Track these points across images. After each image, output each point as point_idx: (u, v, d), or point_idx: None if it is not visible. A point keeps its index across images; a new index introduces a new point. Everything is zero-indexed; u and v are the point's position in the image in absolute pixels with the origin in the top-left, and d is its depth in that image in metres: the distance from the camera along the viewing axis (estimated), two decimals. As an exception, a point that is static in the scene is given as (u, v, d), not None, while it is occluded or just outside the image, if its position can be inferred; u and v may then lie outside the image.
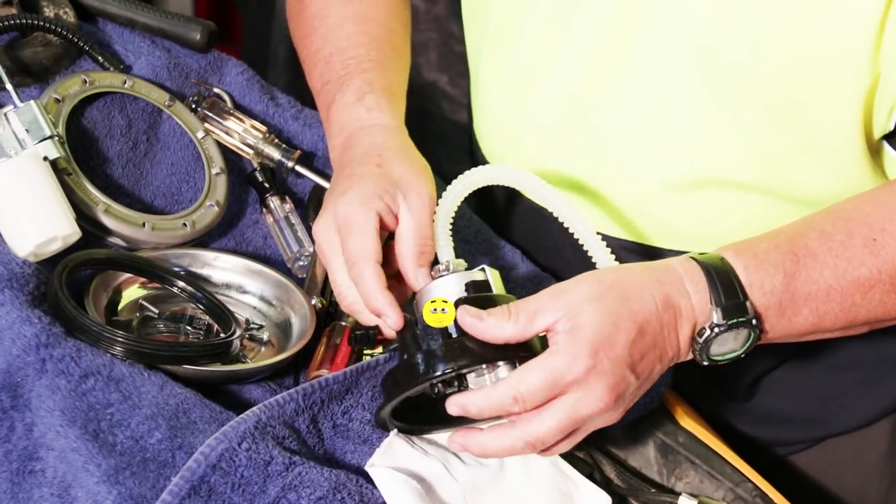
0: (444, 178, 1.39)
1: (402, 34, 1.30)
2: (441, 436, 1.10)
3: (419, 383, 1.01)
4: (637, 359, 1.00)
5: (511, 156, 1.33)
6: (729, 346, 1.05)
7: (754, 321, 1.03)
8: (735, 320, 1.02)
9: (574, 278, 1.02)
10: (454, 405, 1.01)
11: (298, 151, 1.32)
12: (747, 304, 1.02)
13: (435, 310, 1.03)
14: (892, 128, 1.11)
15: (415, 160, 1.14)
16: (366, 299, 1.06)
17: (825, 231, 1.06)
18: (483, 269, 1.06)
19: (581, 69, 1.21)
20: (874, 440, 1.39)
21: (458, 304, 1.02)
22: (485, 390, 1.00)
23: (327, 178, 1.33)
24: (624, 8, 1.16)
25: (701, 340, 1.03)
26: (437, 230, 1.09)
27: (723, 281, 1.02)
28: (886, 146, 1.15)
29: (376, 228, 1.07)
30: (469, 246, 1.31)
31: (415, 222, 1.08)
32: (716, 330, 1.02)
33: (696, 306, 1.02)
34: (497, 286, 1.05)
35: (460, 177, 1.09)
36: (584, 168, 1.25)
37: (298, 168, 1.31)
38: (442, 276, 1.06)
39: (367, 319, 1.09)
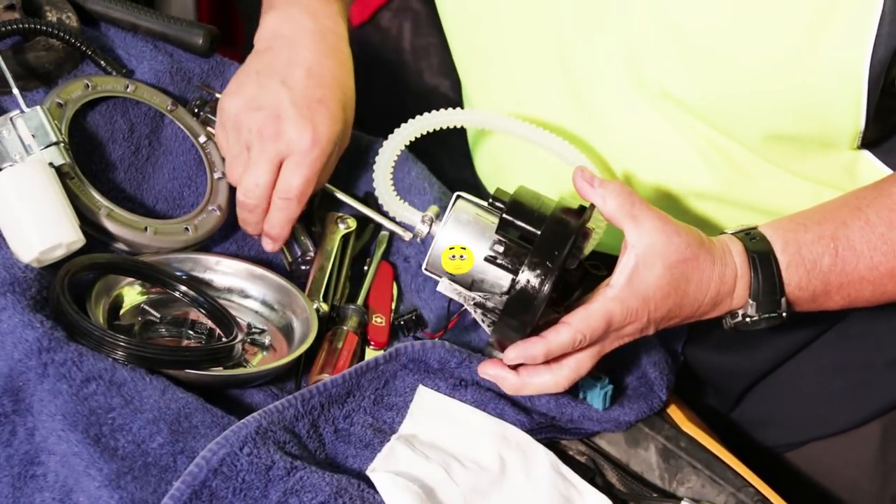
0: (448, 185, 1.39)
1: None
2: (442, 440, 1.10)
3: (542, 300, 1.02)
4: (666, 321, 1.09)
5: (494, 176, 1.38)
6: (755, 326, 1.11)
7: (784, 314, 1.09)
8: (767, 315, 1.09)
9: (666, 220, 1.06)
10: (518, 350, 1.06)
11: None
12: (782, 300, 1.09)
13: (454, 256, 1.04)
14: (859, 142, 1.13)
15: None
16: (274, 225, 1.19)
17: (869, 221, 1.10)
18: (460, 196, 1.07)
19: (555, 94, 1.24)
20: (865, 441, 1.40)
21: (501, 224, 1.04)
22: (553, 332, 1.05)
23: (330, 182, 1.33)
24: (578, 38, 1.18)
25: (732, 322, 1.10)
26: (381, 194, 1.13)
27: (766, 277, 1.08)
28: (867, 155, 1.18)
29: (318, 182, 1.21)
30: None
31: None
32: (747, 320, 1.10)
33: (736, 300, 1.09)
34: (480, 200, 1.08)
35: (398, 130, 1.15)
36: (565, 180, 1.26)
37: None
38: (431, 228, 1.07)
39: (250, 223, 1.21)
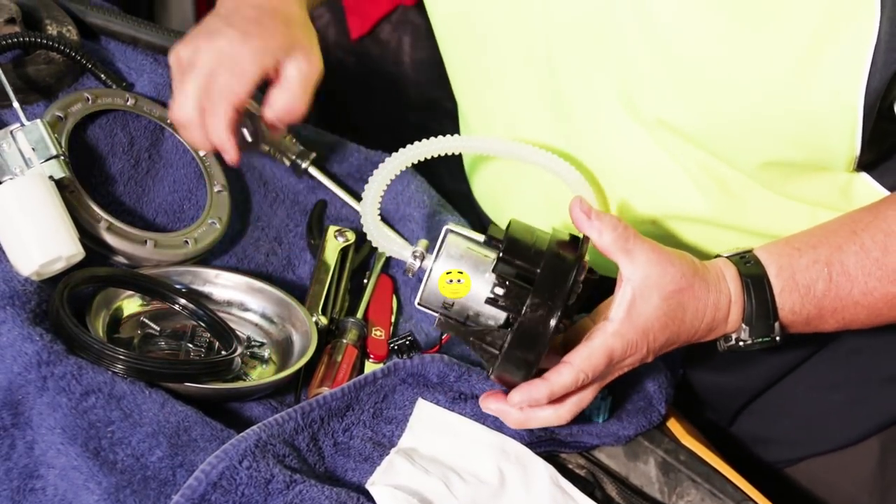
0: (448, 197, 1.39)
1: None
2: (441, 453, 1.10)
3: (548, 336, 1.02)
4: (665, 349, 1.09)
5: (491, 200, 1.39)
6: (748, 349, 1.12)
7: (778, 338, 1.10)
8: (760, 339, 1.10)
9: (660, 251, 1.07)
10: (522, 394, 1.06)
11: (314, 154, 1.32)
12: (776, 324, 1.09)
13: (451, 280, 1.04)
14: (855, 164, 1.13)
15: (313, 36, 1.22)
16: (211, 130, 1.16)
17: (864, 246, 1.10)
18: (450, 230, 1.07)
19: (544, 115, 1.24)
20: (863, 457, 1.41)
21: (498, 263, 1.04)
22: (556, 374, 1.05)
23: (340, 184, 1.34)
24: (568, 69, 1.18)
25: (726, 345, 1.12)
26: (369, 229, 1.10)
27: (759, 302, 1.09)
28: (863, 175, 1.18)
29: (254, 82, 1.16)
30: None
31: (289, 92, 1.18)
32: (741, 344, 1.11)
33: (730, 325, 1.10)
34: (470, 232, 1.07)
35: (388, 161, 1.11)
36: (553, 204, 1.26)
37: (312, 170, 1.32)
38: (423, 262, 1.06)
39: (196, 138, 1.17)
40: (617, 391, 1.20)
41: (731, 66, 1.08)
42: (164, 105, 1.30)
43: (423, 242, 1.08)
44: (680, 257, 1.07)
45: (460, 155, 1.50)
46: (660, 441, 1.20)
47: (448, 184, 1.43)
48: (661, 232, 1.24)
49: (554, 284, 1.02)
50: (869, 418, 1.40)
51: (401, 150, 1.10)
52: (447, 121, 1.37)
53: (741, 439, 1.43)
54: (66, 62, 1.26)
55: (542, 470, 1.11)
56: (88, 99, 1.23)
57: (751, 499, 1.16)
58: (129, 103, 1.26)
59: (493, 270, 1.04)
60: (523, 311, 1.02)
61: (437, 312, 1.07)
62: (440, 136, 1.11)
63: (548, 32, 1.17)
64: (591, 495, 1.12)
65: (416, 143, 1.10)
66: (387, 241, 1.10)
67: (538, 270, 1.03)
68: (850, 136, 1.08)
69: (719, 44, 1.08)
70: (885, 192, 1.18)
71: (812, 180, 1.18)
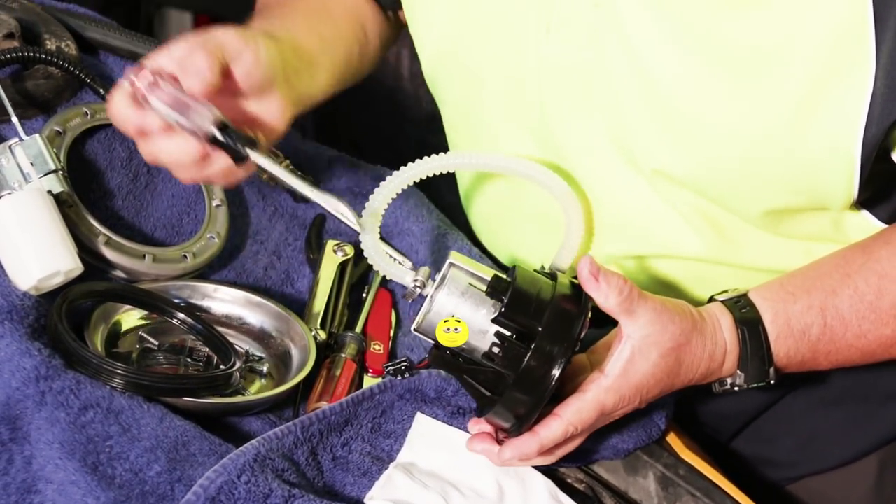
0: (446, 210, 1.39)
1: (342, 5, 1.31)
2: (440, 467, 1.10)
3: (548, 389, 1.03)
4: (657, 398, 1.11)
5: (486, 228, 1.39)
6: (743, 391, 1.13)
7: (773, 381, 1.11)
8: (755, 384, 1.11)
9: (662, 309, 1.06)
10: (512, 450, 1.07)
11: (311, 177, 1.32)
12: (770, 370, 1.11)
13: (448, 329, 1.04)
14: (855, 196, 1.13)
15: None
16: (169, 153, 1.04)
17: (858, 290, 1.12)
18: (452, 264, 1.06)
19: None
20: (862, 474, 1.41)
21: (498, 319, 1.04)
22: (545, 428, 1.06)
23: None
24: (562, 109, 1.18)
25: (720, 388, 1.12)
26: (371, 254, 1.08)
27: (754, 350, 1.10)
28: (864, 213, 1.19)
29: (215, 60, 1.04)
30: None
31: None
32: (735, 388, 1.12)
33: (725, 371, 1.11)
34: (473, 266, 1.07)
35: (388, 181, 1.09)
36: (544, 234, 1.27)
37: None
38: (423, 290, 1.06)
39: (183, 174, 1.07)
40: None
41: (727, 116, 1.08)
42: (163, 120, 1.30)
43: (424, 270, 1.07)
44: (680, 314, 1.08)
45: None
46: (659, 455, 1.19)
47: (447, 196, 1.43)
48: (652, 269, 1.25)
49: (557, 340, 1.03)
50: (868, 435, 1.40)
51: (402, 168, 1.09)
52: (444, 135, 1.37)
53: (740, 458, 1.43)
54: (64, 77, 1.26)
55: (541, 484, 1.11)
56: (87, 113, 1.23)
57: (750, 513, 1.16)
58: (127, 118, 1.26)
59: (494, 321, 1.04)
60: (523, 365, 1.02)
61: (432, 340, 1.07)
62: (437, 155, 1.10)
63: (539, 77, 1.17)
64: (590, 510, 1.12)
65: (415, 162, 1.09)
66: (388, 265, 1.09)
67: (540, 328, 1.03)
68: (847, 182, 1.09)
69: (714, 95, 1.08)
70: (879, 224, 1.18)
71: (808, 219, 1.19)
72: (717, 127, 1.09)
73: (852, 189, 1.10)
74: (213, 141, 1.03)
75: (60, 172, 1.15)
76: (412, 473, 1.08)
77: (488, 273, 1.07)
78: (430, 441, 1.12)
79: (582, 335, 1.04)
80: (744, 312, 1.11)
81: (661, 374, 1.07)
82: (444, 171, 1.11)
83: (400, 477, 1.07)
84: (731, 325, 1.11)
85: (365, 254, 1.08)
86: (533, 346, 1.02)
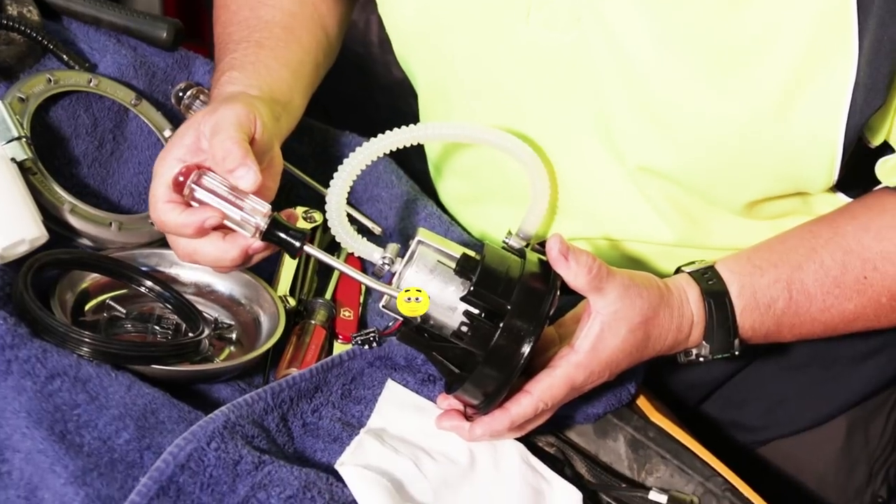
0: (416, 177, 1.38)
1: (302, 16, 1.30)
2: (411, 433, 1.10)
3: (518, 365, 1.03)
4: (625, 370, 1.11)
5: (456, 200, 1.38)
6: (708, 362, 1.14)
7: (737, 352, 1.12)
8: (720, 356, 1.12)
9: (629, 284, 1.06)
10: (483, 427, 1.08)
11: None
12: (735, 342, 1.12)
13: (409, 299, 1.04)
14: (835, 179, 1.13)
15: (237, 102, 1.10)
16: (226, 151, 1.02)
17: (824, 265, 1.13)
18: (420, 242, 1.06)
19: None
20: (831, 436, 1.43)
21: (467, 297, 1.03)
22: (516, 404, 1.07)
23: (307, 168, 1.32)
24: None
25: (685, 359, 1.13)
26: (337, 231, 1.07)
27: (720, 321, 1.11)
28: (839, 194, 1.20)
29: (249, 153, 1.04)
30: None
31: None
32: (700, 359, 1.13)
33: (691, 342, 1.12)
34: (441, 243, 1.06)
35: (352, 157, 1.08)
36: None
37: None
38: (392, 267, 1.06)
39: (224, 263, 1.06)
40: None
41: (710, 106, 1.08)
42: (128, 86, 1.28)
43: (393, 247, 1.07)
44: (648, 287, 1.08)
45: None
46: (629, 419, 1.20)
47: (417, 164, 1.43)
48: (621, 248, 1.25)
49: (526, 318, 1.03)
50: (836, 398, 1.41)
51: (370, 140, 1.08)
52: (416, 101, 1.36)
53: (710, 422, 1.44)
54: (27, 43, 1.24)
55: (512, 448, 1.12)
56: (50, 80, 1.22)
57: (719, 474, 1.16)
58: (91, 84, 1.25)
59: (463, 300, 1.04)
60: (492, 343, 1.02)
61: (401, 317, 1.06)
62: (401, 129, 1.09)
63: (517, 63, 1.16)
64: (561, 473, 1.12)
65: (382, 135, 1.08)
66: (355, 242, 1.08)
67: (509, 307, 1.02)
68: (829, 169, 1.10)
69: (697, 85, 1.08)
70: (844, 199, 1.19)
71: (782, 202, 1.19)
72: (701, 117, 1.09)
73: (833, 175, 1.11)
74: (266, 236, 1.04)
75: (24, 140, 1.13)
76: (383, 439, 1.08)
77: (457, 250, 1.06)
78: (401, 407, 1.12)
79: (551, 313, 1.04)
80: (710, 284, 1.12)
81: (630, 348, 1.08)
82: (411, 144, 1.10)
83: (371, 442, 1.07)
84: (697, 297, 1.11)
85: (332, 231, 1.08)
86: (502, 325, 1.02)
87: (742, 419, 1.44)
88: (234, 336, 1.17)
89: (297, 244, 1.04)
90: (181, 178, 1.03)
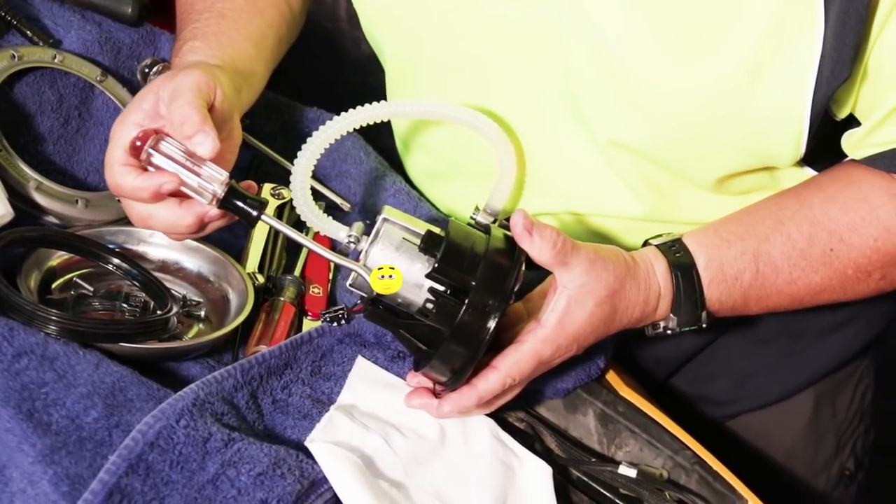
0: (385, 154, 1.38)
1: None
2: (381, 409, 1.10)
3: (485, 339, 1.03)
4: (592, 343, 1.11)
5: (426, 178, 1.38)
6: (675, 335, 1.15)
7: (704, 325, 1.12)
8: (687, 328, 1.12)
9: (595, 258, 1.06)
10: (451, 404, 1.08)
11: (247, 120, 1.29)
12: (702, 314, 1.12)
13: (382, 276, 1.03)
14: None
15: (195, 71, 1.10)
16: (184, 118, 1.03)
17: (790, 237, 1.13)
18: (386, 219, 1.06)
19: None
20: (799, 409, 1.44)
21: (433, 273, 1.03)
22: (483, 380, 1.07)
23: (274, 142, 1.32)
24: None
25: (653, 332, 1.13)
26: (302, 209, 1.07)
27: (687, 294, 1.11)
28: (806, 168, 1.21)
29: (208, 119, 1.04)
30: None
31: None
32: (668, 332, 1.13)
33: (658, 315, 1.12)
34: (407, 220, 1.06)
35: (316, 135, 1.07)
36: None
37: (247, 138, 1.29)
38: (358, 245, 1.05)
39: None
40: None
41: (677, 80, 1.08)
42: (93, 62, 1.27)
43: (358, 226, 1.06)
44: (614, 260, 1.08)
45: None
46: (598, 393, 1.20)
47: (385, 139, 1.42)
48: (588, 223, 1.25)
49: (491, 294, 1.03)
50: (803, 371, 1.42)
51: (334, 118, 1.07)
52: (384, 76, 1.36)
53: (679, 397, 1.45)
54: (-10, 18, 1.23)
55: (482, 424, 1.12)
56: (14, 56, 1.21)
57: (688, 448, 1.17)
58: (56, 60, 1.24)
59: (428, 276, 1.04)
60: (458, 320, 1.02)
61: (367, 295, 1.06)
62: (370, 105, 1.08)
63: (484, 36, 1.16)
64: (531, 448, 1.12)
65: (347, 112, 1.07)
66: (320, 220, 1.07)
67: (473, 283, 1.03)
68: (796, 143, 1.11)
69: (664, 58, 1.08)
70: (811, 172, 1.19)
71: (751, 177, 1.19)
72: (669, 91, 1.09)
73: (800, 149, 1.11)
74: (222, 204, 1.03)
75: (-12, 116, 1.12)
76: (353, 416, 1.08)
77: (422, 227, 1.06)
78: (371, 383, 1.12)
79: (516, 288, 1.04)
80: (678, 257, 1.12)
81: (597, 322, 1.08)
82: (376, 122, 1.10)
83: (341, 419, 1.07)
84: (665, 270, 1.12)
85: (297, 209, 1.07)
86: (467, 301, 1.03)
87: (710, 393, 1.45)
88: (202, 313, 1.17)
89: (255, 213, 1.04)
90: (138, 143, 1.02)
